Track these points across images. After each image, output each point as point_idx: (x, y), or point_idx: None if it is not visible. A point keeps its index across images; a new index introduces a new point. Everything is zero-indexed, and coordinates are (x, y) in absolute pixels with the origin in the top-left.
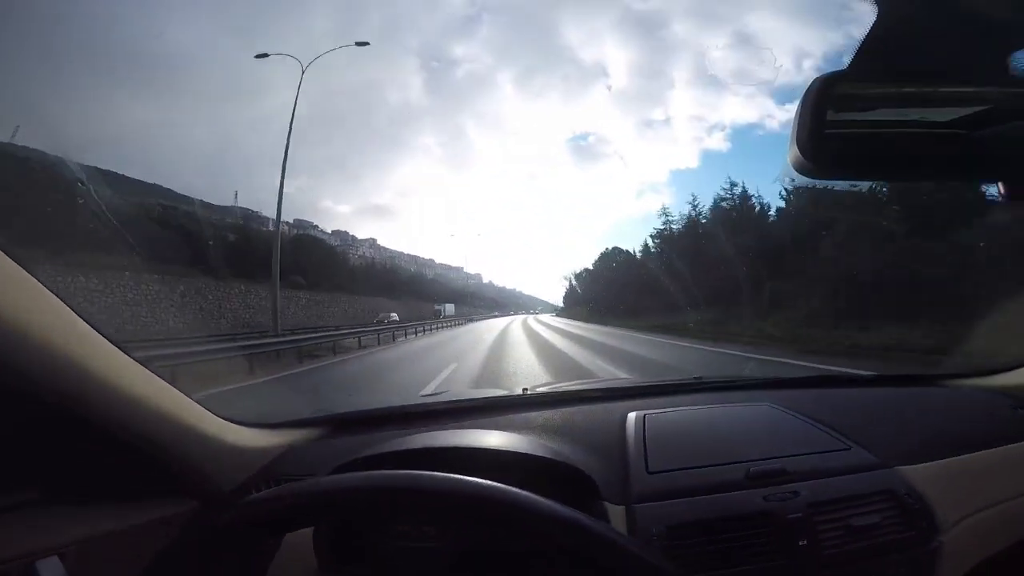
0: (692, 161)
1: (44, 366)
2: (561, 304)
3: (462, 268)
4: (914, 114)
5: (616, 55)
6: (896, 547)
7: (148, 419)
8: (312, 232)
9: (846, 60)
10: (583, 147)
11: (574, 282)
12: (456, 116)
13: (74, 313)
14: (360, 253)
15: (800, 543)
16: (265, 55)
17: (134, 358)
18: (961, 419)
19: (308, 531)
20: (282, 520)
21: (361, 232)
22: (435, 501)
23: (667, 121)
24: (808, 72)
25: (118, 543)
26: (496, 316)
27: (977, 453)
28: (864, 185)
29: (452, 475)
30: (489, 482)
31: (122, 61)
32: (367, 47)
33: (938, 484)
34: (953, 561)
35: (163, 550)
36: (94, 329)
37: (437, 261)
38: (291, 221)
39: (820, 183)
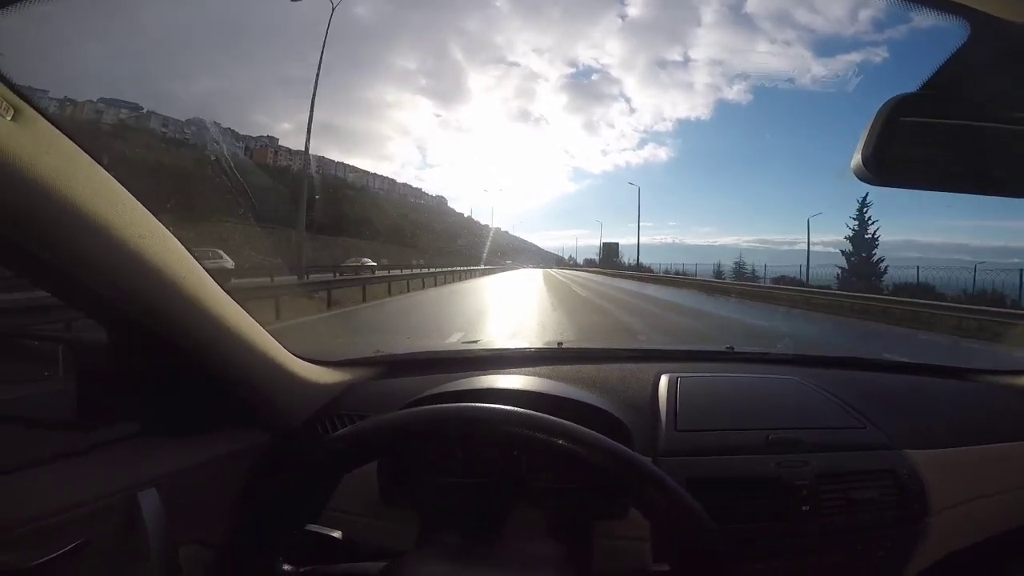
0: (705, 112)
1: (160, 298)
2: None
3: (422, 189)
4: (975, 136)
5: None
6: (889, 522)
7: (239, 352)
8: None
9: (914, 16)
10: (584, 85)
11: None
12: (438, 33)
13: (189, 253)
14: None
15: (803, 509)
16: None
17: (233, 297)
18: (979, 413)
19: (371, 465)
20: (364, 453)
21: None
22: (508, 431)
23: (684, 63)
24: (863, 24)
25: (202, 474)
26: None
27: (983, 446)
28: None
29: (525, 410)
30: (559, 420)
31: None
32: None
33: (939, 470)
34: (940, 541)
35: (264, 483)
36: (206, 272)
37: (399, 180)
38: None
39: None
